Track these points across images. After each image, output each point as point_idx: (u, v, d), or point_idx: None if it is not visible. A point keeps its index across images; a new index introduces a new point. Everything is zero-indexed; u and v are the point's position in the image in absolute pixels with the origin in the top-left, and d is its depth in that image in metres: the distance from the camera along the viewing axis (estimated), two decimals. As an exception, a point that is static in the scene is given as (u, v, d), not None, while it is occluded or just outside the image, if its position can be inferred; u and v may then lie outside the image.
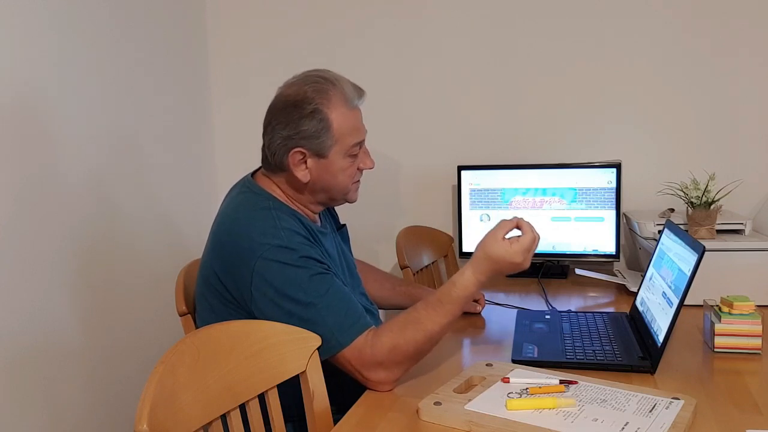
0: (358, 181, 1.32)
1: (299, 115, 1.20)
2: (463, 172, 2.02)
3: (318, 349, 1.10)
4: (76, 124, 1.70)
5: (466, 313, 1.57)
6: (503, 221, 1.15)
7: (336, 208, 1.49)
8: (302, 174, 1.23)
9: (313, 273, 1.14)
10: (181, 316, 1.35)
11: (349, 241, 1.50)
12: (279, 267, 1.12)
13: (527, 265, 1.14)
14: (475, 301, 1.58)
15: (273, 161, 1.25)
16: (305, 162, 1.23)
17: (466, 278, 1.13)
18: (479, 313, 1.57)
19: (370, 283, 1.58)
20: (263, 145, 1.27)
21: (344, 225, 1.50)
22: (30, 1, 1.55)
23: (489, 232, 1.14)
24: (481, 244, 1.14)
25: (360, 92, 1.27)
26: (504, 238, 1.13)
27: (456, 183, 2.04)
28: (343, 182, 1.27)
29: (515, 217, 1.15)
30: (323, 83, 1.22)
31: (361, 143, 1.28)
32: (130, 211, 1.91)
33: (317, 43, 2.27)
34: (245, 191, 1.27)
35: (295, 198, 1.28)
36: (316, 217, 1.35)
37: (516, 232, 1.15)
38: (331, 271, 1.18)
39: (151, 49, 2.02)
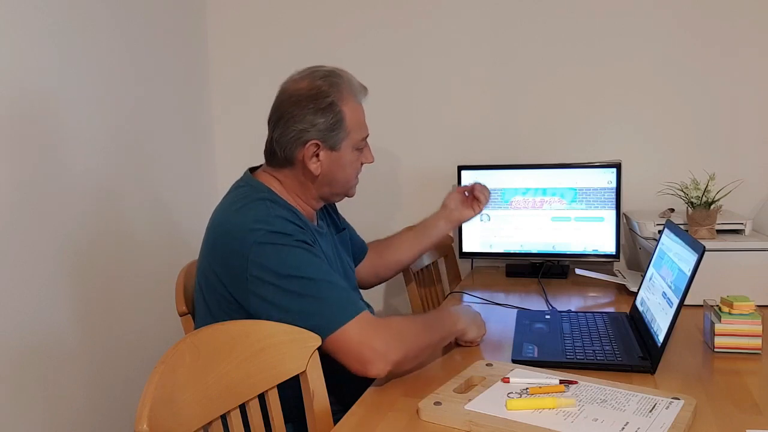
0: (357, 177, 1.35)
1: (315, 108, 1.22)
2: (463, 172, 2.02)
3: (318, 329, 1.07)
4: (77, 125, 1.70)
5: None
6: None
7: (336, 205, 1.49)
8: (314, 167, 1.25)
9: (310, 253, 1.14)
10: (181, 316, 1.35)
11: (348, 245, 1.50)
12: (274, 249, 1.11)
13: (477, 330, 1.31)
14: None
15: (282, 155, 1.25)
16: (318, 155, 1.25)
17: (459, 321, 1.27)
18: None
19: (391, 252, 1.62)
20: (270, 139, 1.27)
21: (344, 229, 1.50)
22: (31, 3, 1.55)
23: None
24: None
25: (364, 90, 1.31)
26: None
27: (456, 183, 2.04)
28: (349, 175, 1.31)
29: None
30: (334, 77, 1.25)
31: (366, 138, 1.32)
32: (130, 211, 1.91)
33: (317, 45, 2.27)
34: (242, 185, 1.27)
35: (297, 193, 1.29)
36: (314, 216, 1.35)
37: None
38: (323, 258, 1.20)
39: (151, 51, 2.02)
